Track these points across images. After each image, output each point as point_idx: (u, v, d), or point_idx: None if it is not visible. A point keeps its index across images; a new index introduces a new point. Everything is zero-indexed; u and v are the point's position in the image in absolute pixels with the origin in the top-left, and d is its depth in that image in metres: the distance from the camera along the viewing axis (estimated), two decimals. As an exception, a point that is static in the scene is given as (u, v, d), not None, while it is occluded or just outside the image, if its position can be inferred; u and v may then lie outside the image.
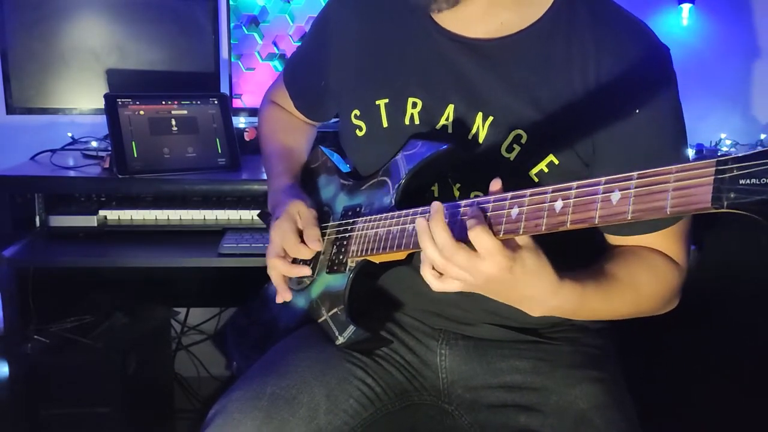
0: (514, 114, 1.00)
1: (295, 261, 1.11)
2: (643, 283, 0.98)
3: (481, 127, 1.02)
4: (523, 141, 0.99)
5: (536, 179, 1.00)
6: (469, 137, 1.02)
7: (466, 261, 0.81)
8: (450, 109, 1.04)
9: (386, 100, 1.08)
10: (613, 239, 1.03)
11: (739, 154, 0.61)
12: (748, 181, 0.60)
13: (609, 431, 0.97)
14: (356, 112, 1.11)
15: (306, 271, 1.10)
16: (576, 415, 0.98)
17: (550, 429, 0.98)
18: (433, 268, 0.85)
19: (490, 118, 1.01)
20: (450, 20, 1.05)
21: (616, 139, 0.98)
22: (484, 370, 1.08)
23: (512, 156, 1.00)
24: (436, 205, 0.84)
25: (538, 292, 0.85)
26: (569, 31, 1.00)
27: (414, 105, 1.06)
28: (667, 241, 1.01)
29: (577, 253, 0.92)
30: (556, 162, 0.99)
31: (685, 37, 2.14)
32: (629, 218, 0.69)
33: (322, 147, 1.26)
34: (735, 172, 0.61)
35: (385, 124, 1.08)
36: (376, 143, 1.09)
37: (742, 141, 2.13)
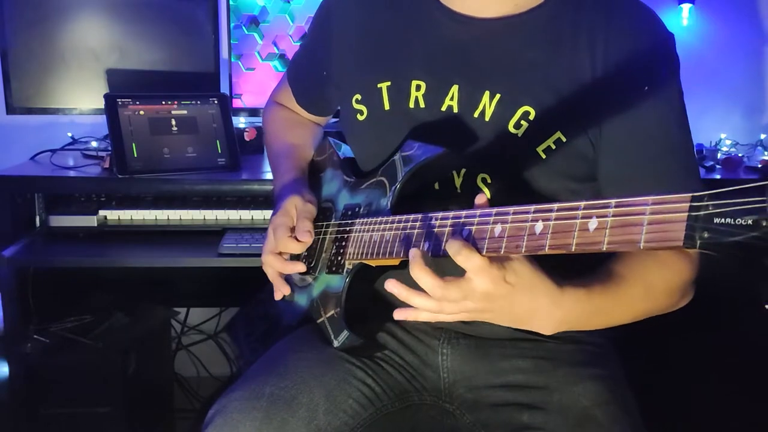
0: (522, 91, 1.00)
1: (294, 257, 1.11)
2: (653, 278, 0.96)
3: (487, 105, 1.02)
4: (531, 117, 1.00)
5: (543, 155, 1.00)
6: (475, 116, 1.02)
7: (458, 292, 0.80)
8: (454, 90, 1.04)
9: (388, 83, 1.08)
10: None
11: (715, 191, 0.58)
12: (722, 221, 0.57)
13: (612, 428, 0.96)
14: (357, 96, 1.11)
15: (300, 267, 1.10)
16: (579, 412, 0.98)
17: (553, 426, 0.98)
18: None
19: (498, 96, 1.01)
20: (461, 1, 1.05)
21: (621, 118, 0.98)
22: (486, 369, 1.08)
23: (520, 132, 1.00)
24: (413, 252, 0.83)
25: (539, 304, 0.85)
26: (577, 10, 1.01)
27: (418, 88, 1.06)
28: None
29: (577, 259, 0.92)
30: (564, 139, 0.99)
31: (685, 37, 2.14)
32: (604, 249, 0.68)
33: (331, 138, 1.25)
34: (710, 210, 0.58)
35: (386, 107, 1.08)
36: (377, 127, 1.09)
37: (742, 141, 2.13)
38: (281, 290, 1.13)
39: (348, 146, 1.20)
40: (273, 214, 1.12)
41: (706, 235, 0.58)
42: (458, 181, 1.03)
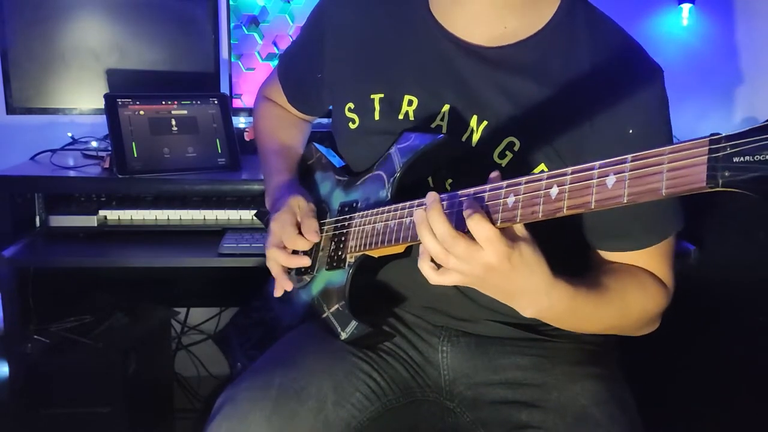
0: (509, 121, 1.00)
1: (294, 253, 1.11)
2: (632, 298, 0.98)
3: (475, 130, 1.02)
4: (516, 149, 1.00)
5: None
6: (463, 139, 1.03)
7: (465, 250, 0.80)
8: (446, 109, 1.04)
9: (381, 95, 1.08)
10: (606, 255, 1.04)
11: (732, 132, 0.61)
12: (742, 159, 0.60)
13: (610, 426, 0.97)
14: (350, 105, 1.11)
15: (305, 261, 1.10)
16: (577, 411, 0.98)
17: (552, 425, 0.98)
18: (432, 261, 0.85)
19: (485, 123, 1.02)
20: (453, 21, 1.05)
21: (606, 155, 0.98)
22: (485, 367, 1.09)
23: (504, 162, 1.00)
24: (433, 196, 0.83)
25: (532, 287, 0.85)
26: (568, 46, 1.01)
27: (410, 102, 1.06)
28: (655, 262, 1.02)
29: (570, 263, 0.92)
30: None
31: (685, 37, 2.15)
32: (625, 201, 0.69)
33: (316, 144, 1.27)
34: (728, 150, 0.61)
35: (377, 118, 1.08)
36: (368, 137, 1.09)
37: (742, 141, 2.13)
38: (284, 286, 1.12)
39: (332, 152, 1.21)
40: (275, 210, 1.12)
41: (727, 173, 0.61)
42: (448, 189, 1.03)
